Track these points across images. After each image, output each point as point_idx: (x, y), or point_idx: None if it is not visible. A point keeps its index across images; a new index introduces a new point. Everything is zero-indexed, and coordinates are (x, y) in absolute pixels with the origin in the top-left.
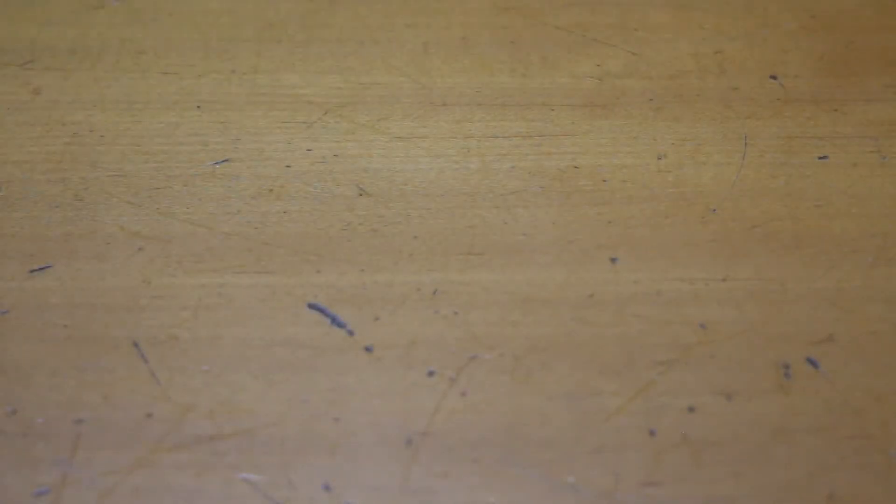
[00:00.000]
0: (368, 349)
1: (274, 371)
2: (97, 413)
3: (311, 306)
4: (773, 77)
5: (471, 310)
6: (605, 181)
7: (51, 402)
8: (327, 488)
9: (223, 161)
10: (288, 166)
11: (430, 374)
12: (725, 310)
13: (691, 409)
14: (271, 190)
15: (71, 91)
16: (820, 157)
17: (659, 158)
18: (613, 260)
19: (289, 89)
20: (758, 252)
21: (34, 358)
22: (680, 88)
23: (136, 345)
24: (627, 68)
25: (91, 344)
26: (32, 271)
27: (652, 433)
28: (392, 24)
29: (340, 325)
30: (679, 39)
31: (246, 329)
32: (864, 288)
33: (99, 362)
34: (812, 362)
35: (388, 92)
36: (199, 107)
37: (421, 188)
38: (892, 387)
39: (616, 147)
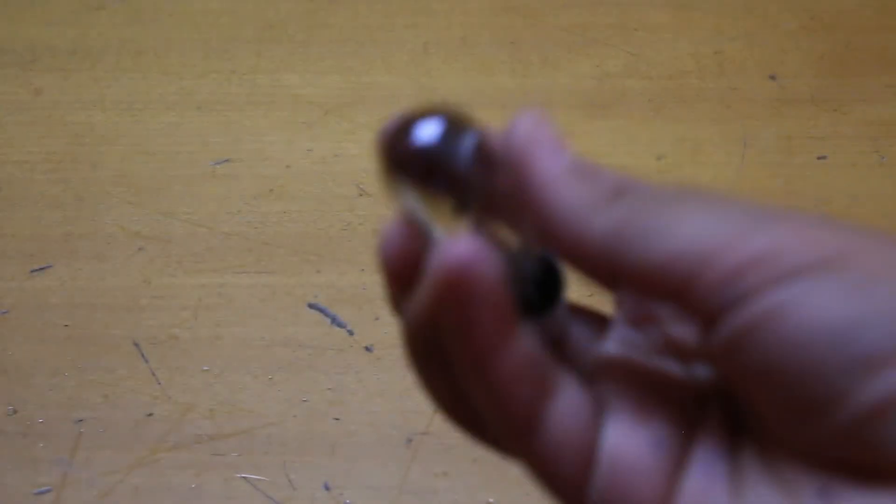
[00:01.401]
0: (368, 349)
1: (274, 371)
2: (97, 413)
3: (311, 306)
4: (773, 77)
5: None
6: None
7: (51, 402)
8: (327, 488)
9: (223, 161)
10: (288, 166)
11: None
12: None
13: None
14: (271, 190)
15: (72, 91)
16: (819, 157)
17: (659, 159)
18: None
19: (289, 89)
20: None
21: (34, 358)
22: (680, 88)
23: (136, 345)
24: (627, 68)
25: (91, 344)
26: (33, 271)
27: None
28: (392, 24)
29: (340, 325)
30: (679, 39)
31: (246, 329)
32: None
33: (99, 362)
34: None
35: (388, 92)
36: (199, 107)
37: None
38: None
39: (616, 147)
